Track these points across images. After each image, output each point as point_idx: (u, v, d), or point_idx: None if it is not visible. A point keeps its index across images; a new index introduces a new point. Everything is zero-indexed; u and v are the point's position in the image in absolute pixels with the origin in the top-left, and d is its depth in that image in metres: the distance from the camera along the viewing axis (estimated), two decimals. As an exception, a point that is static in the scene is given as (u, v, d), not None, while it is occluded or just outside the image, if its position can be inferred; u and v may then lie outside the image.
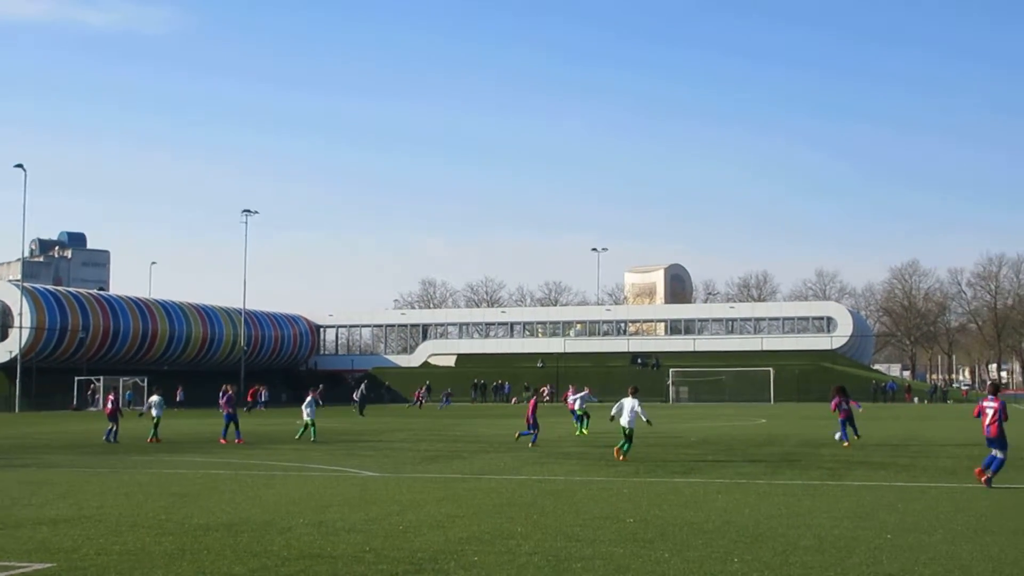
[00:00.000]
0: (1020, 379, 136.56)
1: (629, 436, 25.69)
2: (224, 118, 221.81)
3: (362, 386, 65.70)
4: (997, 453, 18.77)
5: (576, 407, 37.05)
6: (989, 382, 21.88)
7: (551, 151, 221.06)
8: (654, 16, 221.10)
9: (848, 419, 30.74)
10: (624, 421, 25.76)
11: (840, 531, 13.34)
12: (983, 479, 18.60)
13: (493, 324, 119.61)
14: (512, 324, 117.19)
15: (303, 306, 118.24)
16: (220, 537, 13.04)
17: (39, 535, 13.29)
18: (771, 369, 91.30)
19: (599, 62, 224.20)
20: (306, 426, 34.67)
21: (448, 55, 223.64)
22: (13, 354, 79.06)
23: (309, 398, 35.66)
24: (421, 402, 79.33)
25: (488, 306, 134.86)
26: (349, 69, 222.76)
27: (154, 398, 35.63)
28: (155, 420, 34.59)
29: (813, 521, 14.25)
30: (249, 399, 72.44)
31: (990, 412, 19.09)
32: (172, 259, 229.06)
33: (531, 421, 31.15)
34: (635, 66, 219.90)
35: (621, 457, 25.20)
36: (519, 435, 32.12)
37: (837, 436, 30.47)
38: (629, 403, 26.00)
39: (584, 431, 35.72)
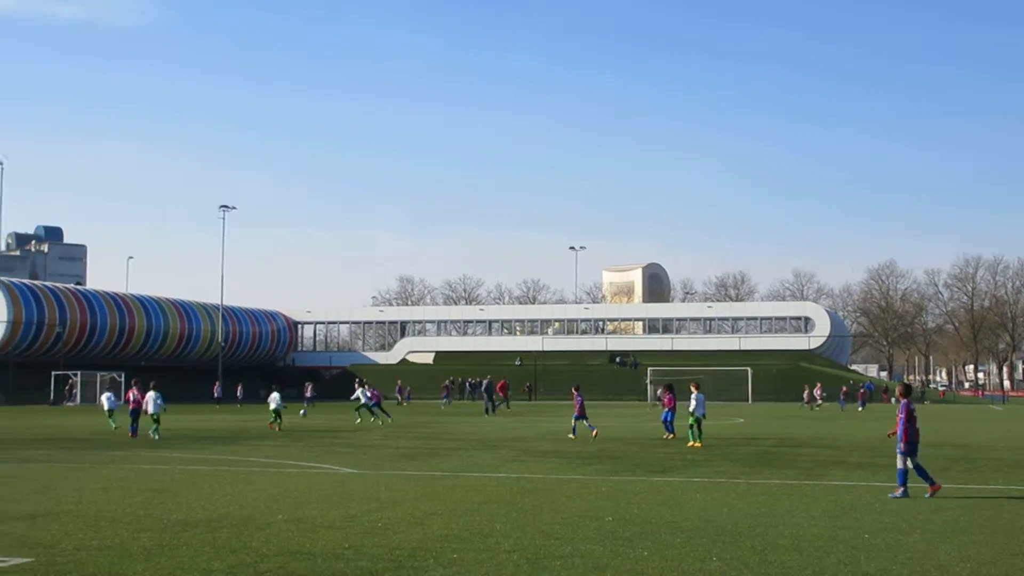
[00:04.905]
0: (996, 380, 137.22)
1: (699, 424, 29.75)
2: (201, 113, 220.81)
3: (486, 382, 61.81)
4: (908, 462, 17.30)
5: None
6: (900, 384, 18.82)
7: (531, 149, 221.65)
8: (635, 19, 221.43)
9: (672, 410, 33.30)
10: (699, 412, 29.91)
11: (818, 530, 13.39)
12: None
13: (471, 322, 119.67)
14: (490, 322, 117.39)
15: (281, 302, 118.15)
16: (199, 533, 13.00)
17: (16, 530, 13.21)
18: (749, 369, 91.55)
19: (580, 63, 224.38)
20: None
21: (429, 55, 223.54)
22: (-11, 348, 78.76)
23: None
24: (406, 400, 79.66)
25: (466, 304, 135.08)
26: (327, 67, 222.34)
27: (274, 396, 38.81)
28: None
29: (791, 520, 14.29)
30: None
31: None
32: (149, 254, 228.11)
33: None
34: (616, 68, 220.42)
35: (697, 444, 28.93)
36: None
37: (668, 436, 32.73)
38: (700, 396, 30.36)
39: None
